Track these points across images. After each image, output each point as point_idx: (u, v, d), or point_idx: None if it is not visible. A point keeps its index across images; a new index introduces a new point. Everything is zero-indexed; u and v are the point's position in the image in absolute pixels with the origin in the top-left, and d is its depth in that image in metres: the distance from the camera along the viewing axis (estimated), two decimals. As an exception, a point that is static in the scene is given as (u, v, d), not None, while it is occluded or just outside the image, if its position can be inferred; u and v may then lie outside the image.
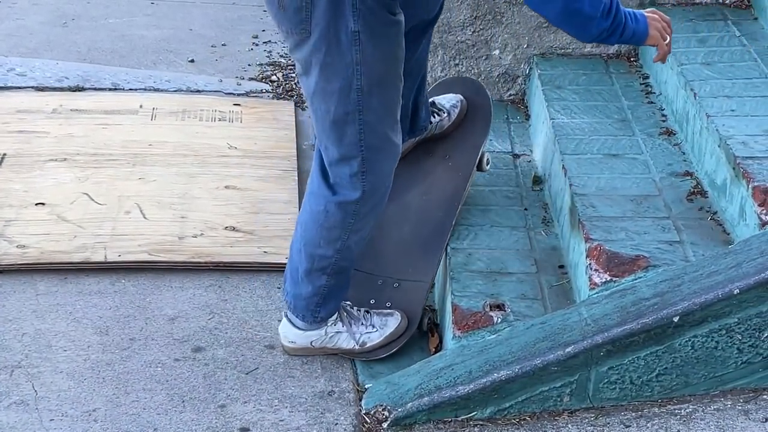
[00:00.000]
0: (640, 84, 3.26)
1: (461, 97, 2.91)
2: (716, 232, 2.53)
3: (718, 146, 2.62)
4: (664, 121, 3.04)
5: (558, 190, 2.85)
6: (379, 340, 2.56)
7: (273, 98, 4.00)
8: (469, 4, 3.37)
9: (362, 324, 2.56)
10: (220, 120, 3.76)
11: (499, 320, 2.46)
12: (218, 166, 3.45)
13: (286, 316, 2.58)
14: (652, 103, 3.15)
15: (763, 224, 2.37)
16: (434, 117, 2.86)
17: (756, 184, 2.41)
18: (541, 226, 2.83)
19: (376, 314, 2.59)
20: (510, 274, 2.63)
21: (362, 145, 2.29)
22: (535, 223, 2.84)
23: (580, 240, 2.54)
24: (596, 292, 2.40)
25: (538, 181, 3.04)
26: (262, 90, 4.07)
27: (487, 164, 2.89)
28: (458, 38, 3.45)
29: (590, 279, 2.42)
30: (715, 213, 2.60)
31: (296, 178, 3.42)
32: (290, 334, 2.57)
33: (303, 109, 3.93)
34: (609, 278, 2.40)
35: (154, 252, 2.99)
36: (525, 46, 3.42)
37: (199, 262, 2.97)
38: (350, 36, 2.19)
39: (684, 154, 2.86)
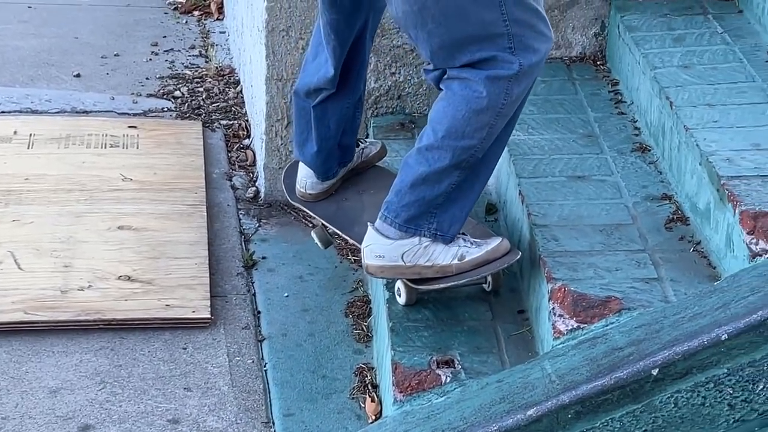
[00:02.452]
0: (609, 92, 3.29)
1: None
2: (700, 266, 2.55)
3: (700, 164, 2.65)
4: (637, 135, 3.07)
5: (514, 220, 2.86)
6: (480, 254, 2.62)
7: (176, 118, 3.99)
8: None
9: (461, 239, 2.64)
10: (112, 146, 3.73)
11: (449, 379, 2.46)
12: (110, 203, 3.42)
13: (374, 228, 2.64)
14: (622, 114, 3.18)
15: (754, 255, 2.40)
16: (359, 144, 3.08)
17: (744, 208, 2.43)
18: (496, 264, 2.84)
19: (472, 238, 2.68)
20: (460, 322, 2.63)
21: (506, 19, 2.47)
22: (490, 261, 2.85)
23: (541, 280, 2.55)
24: (561, 342, 2.40)
25: (491, 209, 3.05)
26: (163, 108, 4.04)
27: None
28: (394, 43, 3.45)
29: (554, 326, 2.43)
30: (699, 243, 2.62)
31: (205, 213, 3.40)
32: (378, 246, 2.62)
33: (213, 130, 3.91)
34: (576, 325, 2.40)
35: (31, 310, 2.95)
36: (473, 49, 3.44)
37: (87, 321, 2.94)
38: None
39: (661, 173, 2.89)
